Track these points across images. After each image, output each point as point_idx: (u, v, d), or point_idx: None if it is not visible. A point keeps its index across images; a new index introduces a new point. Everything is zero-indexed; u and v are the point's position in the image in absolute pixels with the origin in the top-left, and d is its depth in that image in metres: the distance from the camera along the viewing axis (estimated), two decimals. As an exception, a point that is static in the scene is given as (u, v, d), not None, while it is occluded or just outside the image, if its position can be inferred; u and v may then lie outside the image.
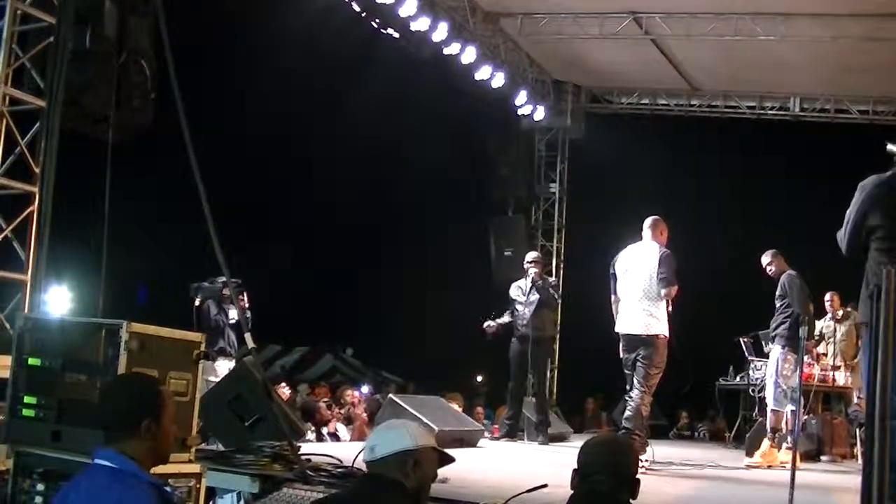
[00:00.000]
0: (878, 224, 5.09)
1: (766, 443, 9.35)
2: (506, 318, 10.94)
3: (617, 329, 8.40)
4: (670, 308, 8.31)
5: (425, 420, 8.38)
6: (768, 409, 9.50)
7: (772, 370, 9.47)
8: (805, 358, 9.07)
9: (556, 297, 11.31)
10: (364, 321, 24.03)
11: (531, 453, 9.88)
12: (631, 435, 7.86)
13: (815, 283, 10.07)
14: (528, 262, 11.04)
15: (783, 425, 9.42)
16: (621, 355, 8.38)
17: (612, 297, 8.47)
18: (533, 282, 10.80)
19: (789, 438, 9.05)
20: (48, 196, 7.20)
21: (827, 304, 11.74)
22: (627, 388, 8.29)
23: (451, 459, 3.69)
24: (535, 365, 10.88)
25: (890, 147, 5.32)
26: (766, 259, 9.57)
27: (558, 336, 16.07)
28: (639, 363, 8.13)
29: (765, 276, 9.64)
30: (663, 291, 8.15)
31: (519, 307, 10.81)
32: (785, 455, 8.98)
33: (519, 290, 10.90)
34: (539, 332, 10.79)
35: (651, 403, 8.38)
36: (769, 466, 9.07)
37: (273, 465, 5.71)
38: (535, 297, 10.73)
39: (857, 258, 5.15)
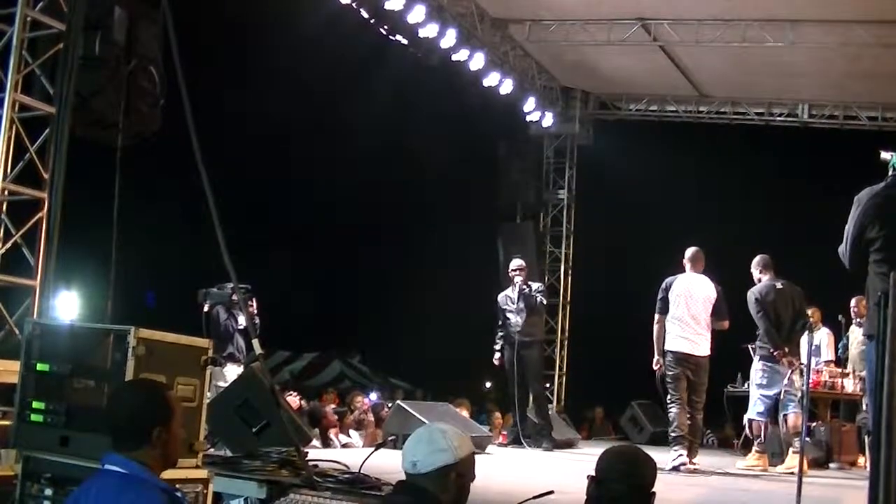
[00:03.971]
0: (875, 235, 5.04)
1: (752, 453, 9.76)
2: (500, 336, 10.99)
3: (681, 349, 8.87)
4: None
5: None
6: (745, 418, 9.93)
7: (752, 380, 9.84)
8: (776, 366, 9.46)
9: (543, 301, 11.32)
10: (372, 327, 24.09)
11: (538, 460, 9.87)
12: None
13: (839, 289, 9.97)
14: (512, 269, 11.16)
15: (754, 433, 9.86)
16: (673, 371, 8.84)
17: (657, 316, 9.02)
18: (520, 290, 10.89)
19: (796, 443, 9.05)
20: (57, 202, 7.20)
21: (852, 309, 11.45)
22: (672, 399, 8.83)
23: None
24: (529, 370, 10.98)
25: (884, 155, 5.28)
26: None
27: (566, 342, 16.12)
28: (700, 386, 8.91)
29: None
30: (725, 323, 9.09)
31: (510, 315, 10.89)
32: (792, 460, 9.03)
33: (507, 299, 11.00)
34: (530, 338, 10.96)
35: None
36: (764, 470, 9.42)
37: (280, 470, 5.72)
38: (523, 304, 10.84)
39: (861, 272, 5.11)
